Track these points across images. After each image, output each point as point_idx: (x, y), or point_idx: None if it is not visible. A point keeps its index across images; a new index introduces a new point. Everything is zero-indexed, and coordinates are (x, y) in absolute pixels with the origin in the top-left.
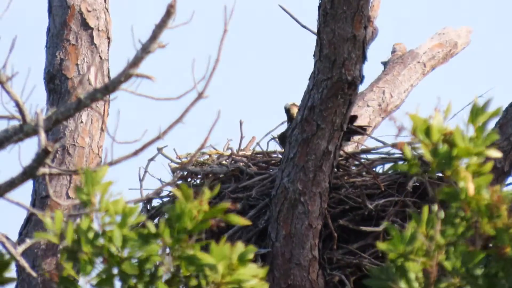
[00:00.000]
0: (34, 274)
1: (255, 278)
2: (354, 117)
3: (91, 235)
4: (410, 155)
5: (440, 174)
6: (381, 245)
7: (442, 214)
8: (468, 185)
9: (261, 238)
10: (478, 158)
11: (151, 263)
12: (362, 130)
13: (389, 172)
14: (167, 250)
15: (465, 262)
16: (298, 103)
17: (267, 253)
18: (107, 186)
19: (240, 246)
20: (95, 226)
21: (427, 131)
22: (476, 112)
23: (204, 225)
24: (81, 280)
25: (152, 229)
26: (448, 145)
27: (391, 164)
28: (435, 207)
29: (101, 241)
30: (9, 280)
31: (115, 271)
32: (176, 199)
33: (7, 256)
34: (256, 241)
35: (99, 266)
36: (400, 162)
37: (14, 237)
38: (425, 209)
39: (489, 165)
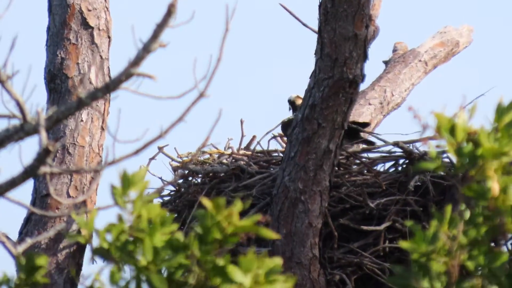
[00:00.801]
0: None
1: None
2: (366, 124)
3: (122, 239)
4: (435, 154)
5: (442, 173)
6: (404, 244)
7: (468, 214)
8: (494, 185)
9: (261, 237)
10: (505, 158)
11: (179, 273)
12: (365, 131)
13: (400, 170)
14: (196, 261)
15: (489, 262)
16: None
17: (267, 252)
18: (143, 189)
19: (269, 261)
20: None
21: (452, 130)
22: (501, 111)
23: (234, 238)
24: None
25: (182, 240)
26: (473, 144)
27: (392, 162)
28: (462, 206)
29: (131, 246)
30: (42, 282)
31: (143, 278)
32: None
33: (40, 259)
34: (256, 239)
35: (128, 272)
36: (402, 161)
37: (14, 236)
38: (448, 208)
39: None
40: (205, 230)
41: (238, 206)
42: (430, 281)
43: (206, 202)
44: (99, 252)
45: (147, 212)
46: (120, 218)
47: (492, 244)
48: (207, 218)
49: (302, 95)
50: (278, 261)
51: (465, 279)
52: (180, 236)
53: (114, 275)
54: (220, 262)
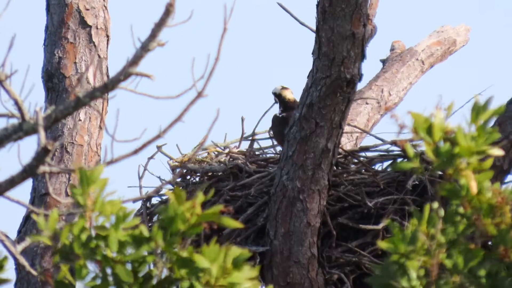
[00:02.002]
0: (33, 272)
1: (249, 280)
2: None
3: (84, 237)
4: (412, 153)
5: (441, 172)
6: (382, 244)
7: (442, 212)
8: (471, 183)
9: (259, 236)
10: (479, 156)
11: (144, 266)
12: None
13: (389, 170)
14: (160, 253)
15: (467, 260)
16: (286, 85)
17: (265, 251)
18: (103, 186)
19: (234, 249)
20: (89, 227)
21: (429, 130)
22: (477, 110)
23: (197, 228)
24: (77, 284)
25: (145, 232)
26: (450, 144)
27: (390, 161)
28: (436, 205)
29: (94, 242)
30: (4, 281)
31: (109, 272)
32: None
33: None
34: (254, 238)
35: (92, 268)
36: (400, 160)
37: (13, 235)
38: (426, 207)
39: (489, 162)
40: (168, 221)
41: (200, 197)
42: (409, 280)
43: (168, 193)
44: (62, 251)
45: (110, 208)
46: (81, 216)
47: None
48: (170, 209)
49: (287, 85)
50: (244, 251)
51: (443, 277)
52: (144, 229)
53: (81, 271)
54: (184, 253)
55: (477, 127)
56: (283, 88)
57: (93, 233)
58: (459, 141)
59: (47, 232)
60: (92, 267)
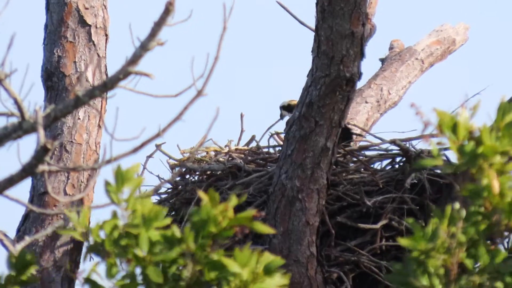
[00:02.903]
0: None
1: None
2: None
3: (116, 234)
4: (437, 151)
5: (439, 171)
6: (403, 241)
7: (464, 212)
8: (493, 183)
9: (258, 235)
10: (503, 157)
11: (175, 267)
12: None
13: (388, 169)
14: (191, 255)
15: (491, 259)
16: (286, 100)
17: (265, 250)
18: (137, 185)
19: (267, 256)
20: (121, 224)
21: (454, 128)
22: (504, 110)
23: (229, 231)
24: (105, 282)
25: (177, 233)
26: (475, 143)
27: (389, 160)
28: (457, 204)
29: (125, 241)
30: (33, 279)
31: (138, 272)
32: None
33: (29, 256)
34: (253, 238)
35: (122, 267)
36: (399, 159)
37: (12, 234)
38: (448, 206)
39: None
40: (200, 223)
41: (233, 201)
42: (428, 278)
43: (202, 195)
44: (94, 248)
45: (141, 208)
46: (114, 214)
47: (489, 243)
48: (202, 212)
49: (292, 99)
50: (277, 258)
51: (463, 276)
52: (175, 229)
53: (111, 269)
54: (215, 256)
55: (502, 127)
56: (291, 100)
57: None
58: (484, 141)
59: (79, 228)
60: (121, 266)
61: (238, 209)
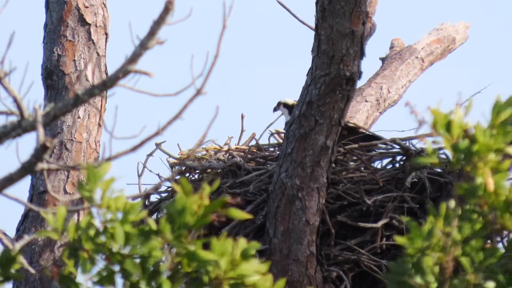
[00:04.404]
0: (32, 270)
1: (258, 273)
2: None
3: (92, 232)
4: (431, 149)
5: (439, 170)
6: (400, 240)
7: (459, 211)
8: (488, 180)
9: (259, 234)
10: (497, 155)
11: (152, 259)
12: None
13: (389, 168)
14: (168, 247)
15: (486, 257)
16: (289, 99)
17: (265, 249)
18: (109, 183)
19: (242, 242)
20: (96, 222)
21: (448, 126)
22: (498, 108)
23: (205, 219)
24: (82, 278)
25: (153, 226)
26: (469, 141)
27: (389, 159)
28: (452, 203)
29: (102, 238)
30: (16, 276)
31: (116, 268)
32: (174, 195)
33: (13, 252)
34: (254, 237)
35: (101, 264)
36: (399, 158)
37: (12, 233)
38: (443, 205)
39: (507, 163)
40: (176, 214)
41: (207, 189)
42: (423, 277)
43: (175, 186)
44: (71, 246)
45: (115, 204)
46: (89, 212)
47: (488, 241)
48: (177, 202)
49: (289, 99)
50: (253, 243)
51: (458, 275)
52: (151, 222)
53: (86, 265)
54: (192, 247)
55: (496, 125)
56: (294, 101)
57: (101, 228)
58: (478, 138)
59: (55, 228)
60: (100, 262)
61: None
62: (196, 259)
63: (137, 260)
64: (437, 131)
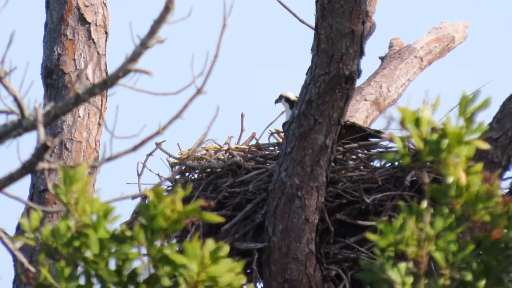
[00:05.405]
0: (32, 269)
1: (231, 272)
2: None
3: (68, 236)
4: (401, 145)
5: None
6: (372, 236)
7: (431, 209)
8: (460, 174)
9: (258, 233)
10: (469, 149)
11: (128, 264)
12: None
13: (386, 166)
14: (144, 251)
15: (459, 250)
16: (291, 94)
17: (264, 248)
18: (85, 185)
19: (210, 243)
20: (72, 226)
21: (416, 123)
22: (465, 103)
23: (178, 225)
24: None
25: (127, 231)
26: (438, 135)
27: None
28: (425, 201)
29: (78, 242)
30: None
31: (93, 273)
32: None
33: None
34: (253, 235)
35: (80, 268)
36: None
37: (12, 231)
38: (415, 201)
39: (479, 166)
40: (149, 218)
41: (180, 193)
42: (397, 272)
43: (147, 192)
44: (46, 250)
45: (90, 207)
46: (65, 215)
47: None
48: (150, 207)
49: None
50: (221, 244)
51: (433, 270)
52: (124, 227)
53: (63, 271)
54: (167, 250)
55: (465, 118)
56: (296, 96)
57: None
58: (447, 130)
59: (29, 232)
60: (78, 267)
61: (237, 207)
62: (169, 263)
63: (113, 265)
64: (405, 128)
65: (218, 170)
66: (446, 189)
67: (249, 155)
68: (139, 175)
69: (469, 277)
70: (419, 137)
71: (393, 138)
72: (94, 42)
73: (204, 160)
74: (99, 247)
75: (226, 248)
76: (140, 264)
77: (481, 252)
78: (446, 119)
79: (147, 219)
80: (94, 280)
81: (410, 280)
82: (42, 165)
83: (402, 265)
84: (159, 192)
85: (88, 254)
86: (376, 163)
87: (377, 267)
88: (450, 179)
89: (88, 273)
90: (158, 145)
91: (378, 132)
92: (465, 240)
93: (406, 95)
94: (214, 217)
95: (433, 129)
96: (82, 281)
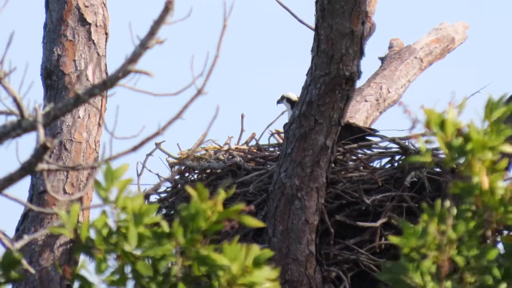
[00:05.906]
0: (32, 270)
1: (268, 280)
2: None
3: (105, 231)
4: (425, 148)
5: (438, 169)
6: (394, 239)
7: (454, 210)
8: (483, 178)
9: (258, 234)
10: (493, 153)
11: (164, 262)
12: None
13: (388, 167)
14: (179, 250)
15: (481, 255)
16: (293, 94)
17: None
18: (126, 183)
19: (255, 249)
20: (110, 222)
21: (442, 125)
22: (491, 106)
23: (218, 226)
24: (94, 278)
25: (166, 229)
26: (463, 139)
27: (388, 159)
28: (448, 202)
29: (115, 238)
30: (18, 278)
31: (128, 269)
32: (174, 196)
33: (16, 254)
34: (253, 236)
35: (112, 263)
36: (398, 157)
37: (11, 233)
38: (438, 203)
39: (504, 163)
40: (189, 218)
41: (222, 195)
42: (421, 275)
43: (191, 191)
44: (84, 245)
45: (131, 205)
46: (103, 212)
47: (484, 240)
48: (191, 207)
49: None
50: (266, 250)
51: (455, 273)
52: (164, 225)
53: (101, 265)
54: (204, 251)
55: (490, 123)
56: (298, 97)
57: (114, 227)
58: (472, 136)
59: (69, 225)
60: (111, 262)
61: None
62: (207, 263)
63: (149, 262)
64: (431, 130)
65: (218, 170)
66: (471, 188)
67: (249, 156)
68: (138, 175)
69: (490, 281)
70: (443, 140)
71: (418, 140)
72: (94, 43)
73: (204, 160)
74: (138, 242)
75: (269, 254)
76: (177, 263)
77: (501, 256)
78: (471, 123)
79: (187, 218)
80: (129, 275)
81: (431, 283)
82: (42, 166)
83: (425, 268)
84: (202, 192)
85: (126, 247)
86: (376, 164)
87: (399, 270)
88: (475, 179)
89: (122, 268)
90: (157, 145)
91: (374, 130)
92: (488, 245)
93: (432, 98)
94: (254, 221)
95: (459, 133)
96: (117, 276)
